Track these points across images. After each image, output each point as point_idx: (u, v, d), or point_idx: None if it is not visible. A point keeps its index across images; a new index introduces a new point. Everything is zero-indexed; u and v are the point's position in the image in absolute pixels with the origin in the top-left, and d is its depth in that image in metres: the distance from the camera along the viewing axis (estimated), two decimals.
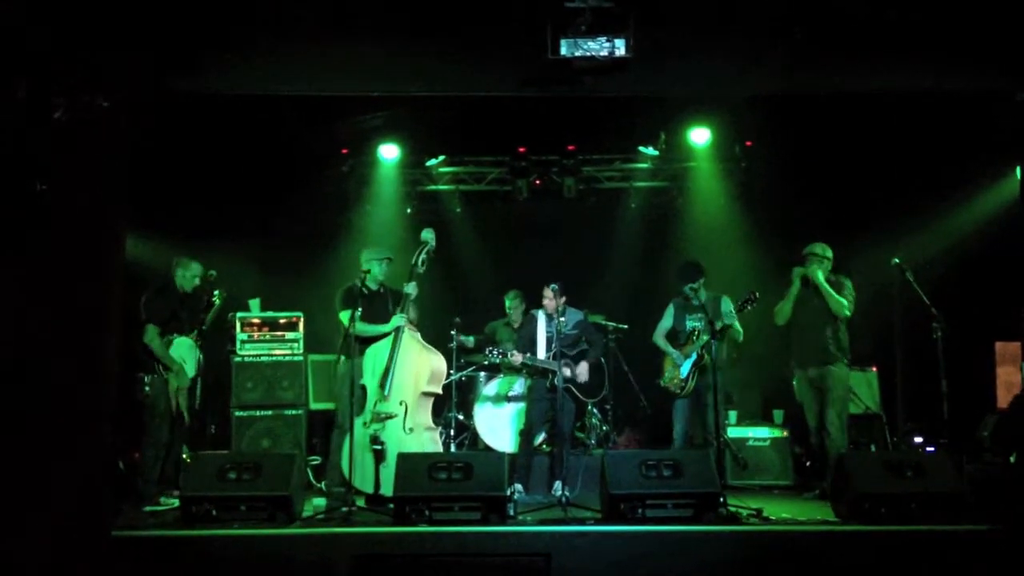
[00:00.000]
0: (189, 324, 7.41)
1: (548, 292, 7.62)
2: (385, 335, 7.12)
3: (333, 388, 7.64)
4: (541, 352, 7.71)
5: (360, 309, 7.04)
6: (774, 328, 7.76)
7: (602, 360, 8.18)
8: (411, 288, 7.19)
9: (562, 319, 7.52)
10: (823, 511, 6.44)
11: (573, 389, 7.67)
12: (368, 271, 7.31)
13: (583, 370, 7.69)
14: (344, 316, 7.20)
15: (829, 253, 7.60)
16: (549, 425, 7.83)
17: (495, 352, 7.77)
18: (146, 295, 7.34)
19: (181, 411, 7.26)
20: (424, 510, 5.90)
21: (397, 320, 7.10)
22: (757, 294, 7.60)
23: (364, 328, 7.08)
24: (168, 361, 7.25)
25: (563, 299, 7.60)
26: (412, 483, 6.02)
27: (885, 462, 6.18)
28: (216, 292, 7.52)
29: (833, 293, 7.43)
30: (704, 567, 5.52)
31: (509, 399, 8.63)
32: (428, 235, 7.37)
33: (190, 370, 7.35)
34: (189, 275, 7.46)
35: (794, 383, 7.70)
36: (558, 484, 7.14)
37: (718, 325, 7.46)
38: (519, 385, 8.56)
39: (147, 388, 7.25)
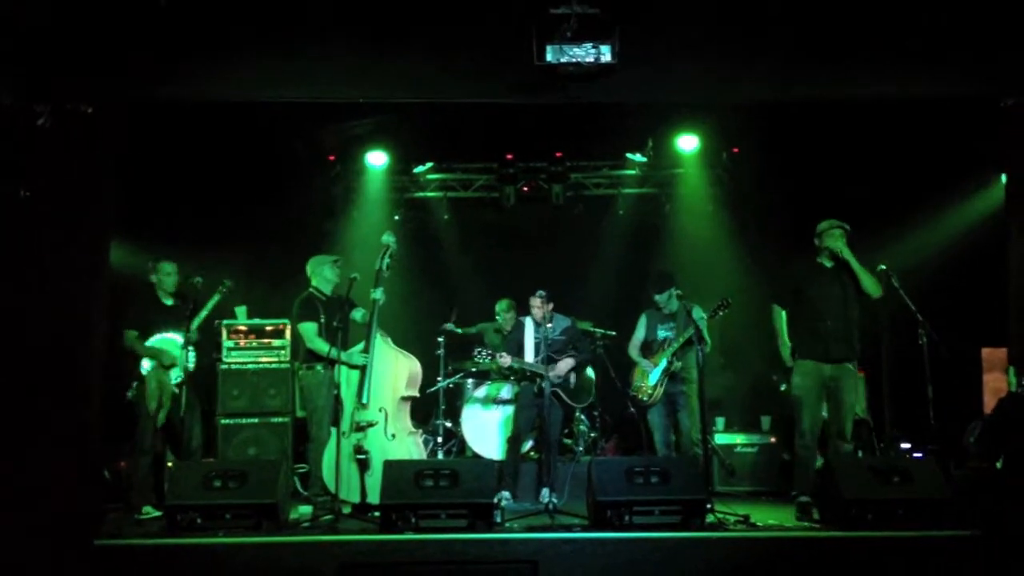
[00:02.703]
0: (176, 324, 7.26)
1: (536, 301, 7.63)
2: (351, 365, 7.06)
3: (302, 399, 7.63)
4: (529, 358, 7.71)
5: (324, 319, 7.15)
6: (761, 335, 7.72)
7: (589, 367, 8.18)
8: (378, 294, 7.12)
9: (549, 325, 7.53)
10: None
11: (561, 395, 7.67)
12: (323, 278, 7.41)
13: (563, 366, 7.70)
14: (304, 328, 7.23)
15: (848, 227, 7.01)
16: (536, 432, 7.82)
17: (483, 353, 7.74)
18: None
19: (171, 415, 7.12)
20: (411, 517, 5.86)
21: (360, 360, 7.03)
22: (729, 300, 7.56)
23: (336, 355, 6.95)
24: (152, 353, 7.14)
25: (550, 306, 7.62)
26: (399, 490, 5.99)
27: (872, 468, 6.15)
28: (224, 283, 7.46)
29: (865, 270, 6.86)
30: (691, 574, 5.51)
31: (497, 402, 8.60)
32: (388, 238, 7.31)
33: (177, 370, 7.24)
34: (163, 275, 7.35)
35: (795, 378, 6.93)
36: (545, 491, 7.12)
37: (689, 332, 7.40)
38: (506, 392, 8.55)
39: (131, 394, 7.19)
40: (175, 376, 7.20)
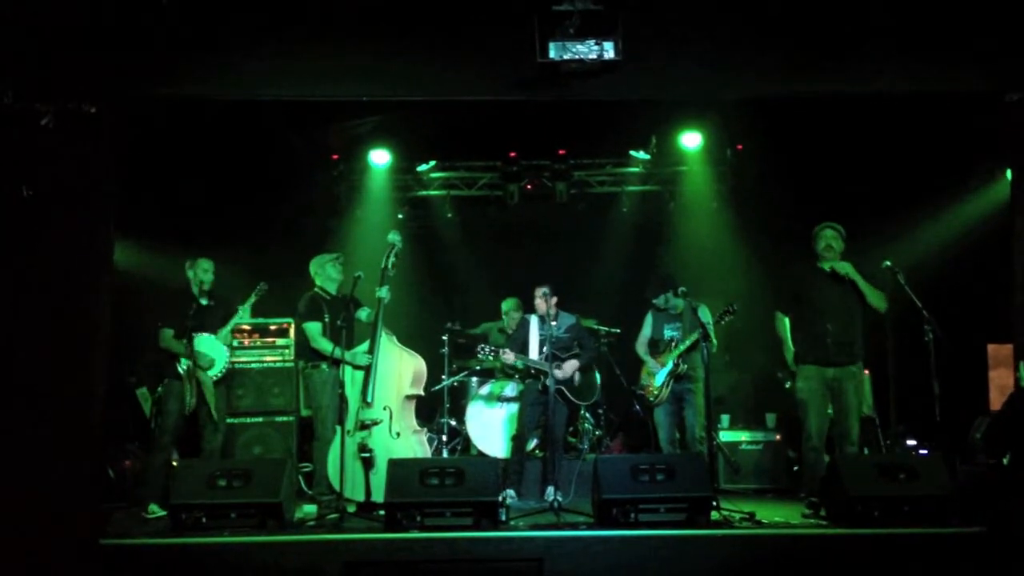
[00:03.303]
0: (212, 322, 7.26)
1: (539, 293, 7.62)
2: (356, 365, 7.04)
3: (307, 398, 7.61)
4: (534, 356, 7.70)
5: (328, 318, 7.11)
6: (766, 333, 7.69)
7: (594, 365, 8.16)
8: (383, 292, 7.11)
9: (554, 323, 7.51)
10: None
11: (566, 392, 7.66)
12: (326, 277, 7.38)
13: (569, 367, 7.68)
14: (308, 327, 7.19)
15: (842, 229, 7.02)
16: (541, 430, 7.81)
17: (487, 349, 7.73)
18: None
19: (209, 412, 7.09)
20: (416, 516, 5.87)
21: (364, 360, 7.02)
22: (735, 307, 7.55)
23: (340, 355, 6.94)
24: (193, 355, 7.07)
25: (554, 300, 7.61)
26: (404, 489, 5.99)
27: (877, 465, 6.16)
28: (261, 285, 7.46)
29: (870, 286, 6.86)
30: (697, 571, 5.51)
31: (501, 399, 8.58)
32: (394, 237, 7.33)
33: (219, 365, 7.22)
34: (201, 271, 7.30)
35: (799, 382, 6.96)
36: (550, 489, 7.10)
37: (695, 336, 7.38)
38: (511, 389, 8.54)
39: (160, 390, 7.16)
40: (216, 370, 7.19)
